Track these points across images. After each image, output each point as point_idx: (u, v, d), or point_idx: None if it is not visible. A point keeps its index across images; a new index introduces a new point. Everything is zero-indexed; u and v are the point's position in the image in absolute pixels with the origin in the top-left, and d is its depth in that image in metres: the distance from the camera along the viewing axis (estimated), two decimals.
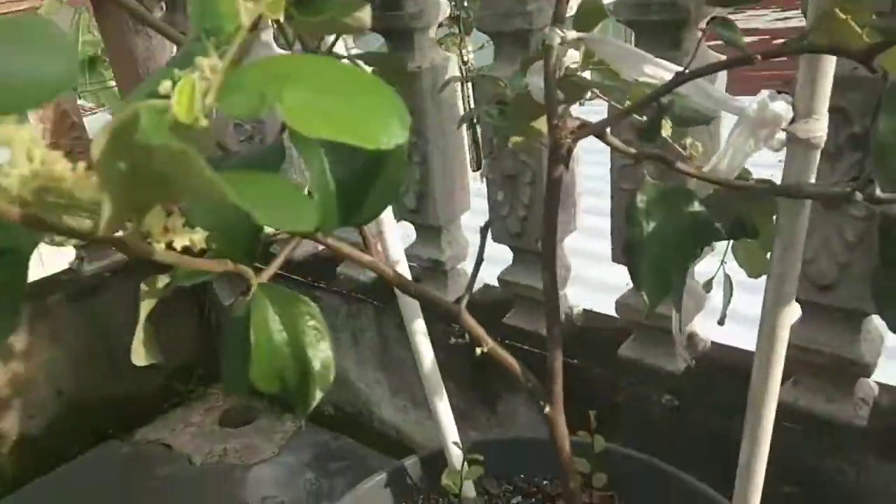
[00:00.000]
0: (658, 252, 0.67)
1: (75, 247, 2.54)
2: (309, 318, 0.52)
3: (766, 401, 0.89)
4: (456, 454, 1.22)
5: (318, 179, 0.48)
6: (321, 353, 0.52)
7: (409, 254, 1.98)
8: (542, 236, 0.75)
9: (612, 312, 1.79)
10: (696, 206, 0.68)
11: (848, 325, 1.27)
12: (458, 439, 1.20)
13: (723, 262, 1.05)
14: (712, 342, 1.61)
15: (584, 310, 1.82)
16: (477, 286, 2.03)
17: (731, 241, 0.98)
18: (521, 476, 1.32)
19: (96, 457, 2.55)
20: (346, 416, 2.39)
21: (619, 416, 1.58)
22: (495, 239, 1.74)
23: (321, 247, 2.37)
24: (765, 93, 0.70)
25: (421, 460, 1.31)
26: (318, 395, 0.53)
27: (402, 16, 1.59)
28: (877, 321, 1.29)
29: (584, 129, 0.66)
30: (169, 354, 2.73)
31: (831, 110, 1.08)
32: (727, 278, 1.04)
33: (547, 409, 0.80)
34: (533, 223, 1.62)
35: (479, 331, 0.79)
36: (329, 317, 2.19)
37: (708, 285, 1.12)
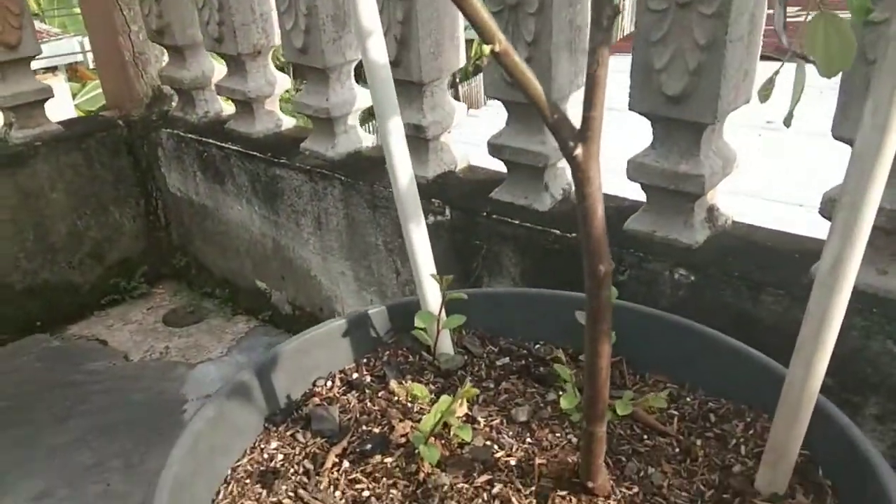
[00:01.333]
0: None
1: (3, 110, 2.23)
2: None
3: (846, 268, 0.66)
4: (432, 295, 0.98)
5: None
6: None
7: None
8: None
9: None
10: None
11: None
12: (435, 271, 0.96)
13: (791, 53, 0.81)
14: (735, 221, 1.39)
15: None
16: (461, 165, 1.78)
17: (811, 19, 0.74)
18: (509, 339, 1.09)
19: (20, 349, 2.27)
20: (306, 314, 2.14)
21: (622, 297, 1.36)
22: (488, 92, 1.49)
23: (284, 125, 2.10)
24: None
25: (389, 310, 1.07)
26: None
27: None
28: None
29: None
30: (109, 246, 2.44)
31: None
32: (799, 66, 0.79)
33: (578, 149, 0.56)
34: (537, 68, 1.36)
35: (491, 23, 0.53)
36: (291, 199, 1.93)
37: (770, 83, 0.88)
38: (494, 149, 1.54)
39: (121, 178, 2.41)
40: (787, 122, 0.83)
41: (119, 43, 2.31)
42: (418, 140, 1.68)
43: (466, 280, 1.64)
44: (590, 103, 0.56)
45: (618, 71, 1.28)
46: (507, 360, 1.05)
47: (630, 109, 1.28)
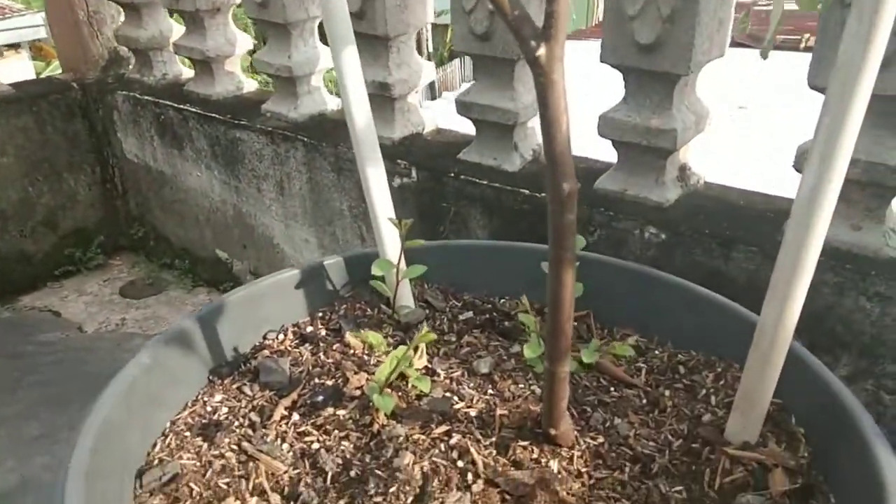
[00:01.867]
0: None
1: None
2: None
3: (822, 200, 0.62)
4: (391, 242, 0.92)
5: None
6: None
7: None
8: None
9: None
10: None
11: (891, 125, 1.02)
12: (393, 215, 0.90)
13: None
14: (707, 182, 1.35)
15: None
16: (429, 127, 1.72)
17: None
18: (474, 294, 1.04)
19: None
20: None
21: None
22: (457, 46, 1.43)
23: (244, 88, 2.02)
24: None
25: (346, 261, 1.01)
26: None
27: None
28: None
29: None
30: (63, 214, 2.34)
31: None
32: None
33: (541, 48, 0.51)
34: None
35: None
36: (252, 163, 1.86)
37: (744, 21, 0.83)
38: (462, 106, 1.48)
39: (75, 143, 2.30)
40: (764, 54, 0.78)
41: (72, 2, 2.20)
42: (384, 99, 1.62)
43: (435, 238, 1.59)
44: None
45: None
46: (470, 314, 1.00)
47: (602, 62, 1.23)
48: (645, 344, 0.93)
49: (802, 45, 7.24)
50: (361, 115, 0.87)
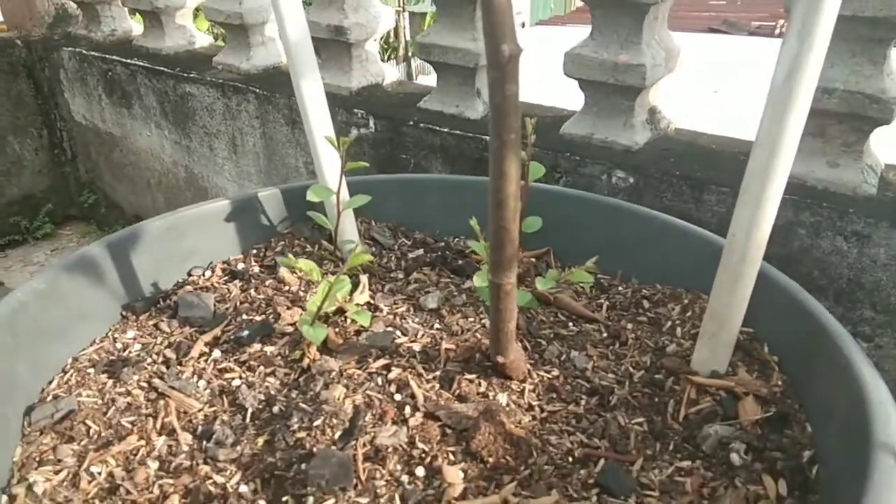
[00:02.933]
0: None
1: None
2: None
3: (782, 144, 0.55)
4: (329, 165, 0.83)
5: None
6: None
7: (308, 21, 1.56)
8: None
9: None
10: None
11: (871, 51, 0.95)
12: (332, 134, 0.81)
13: None
14: (678, 128, 1.28)
15: (523, 101, 1.45)
16: (390, 80, 1.63)
17: None
18: (425, 232, 0.96)
19: None
20: None
21: None
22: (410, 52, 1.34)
23: (197, 43, 1.91)
24: None
25: (284, 193, 0.92)
26: None
27: None
28: None
29: None
30: (7, 181, 2.21)
31: None
32: None
33: None
34: None
35: None
36: (203, 119, 1.75)
37: None
38: (423, 49, 1.39)
39: (20, 104, 2.18)
40: None
41: None
42: (340, 45, 1.53)
43: None
44: None
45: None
46: (420, 251, 0.92)
47: None
48: (608, 280, 0.86)
49: (777, 31, 7.24)
50: (296, 21, 0.78)
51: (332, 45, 1.55)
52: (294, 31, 0.81)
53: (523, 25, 11.87)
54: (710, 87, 7.22)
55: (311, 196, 0.82)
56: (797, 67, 0.55)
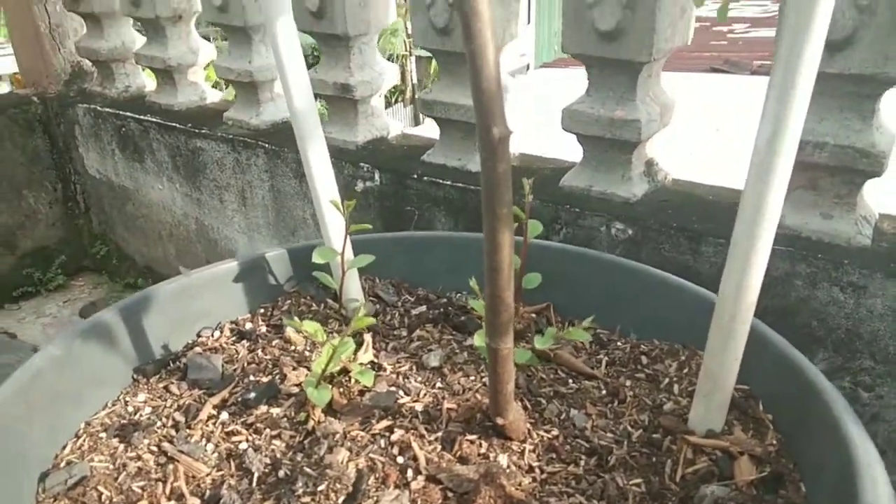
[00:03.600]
0: None
1: None
2: None
3: (777, 160, 0.58)
4: (335, 228, 0.86)
5: None
6: None
7: (314, 79, 1.61)
8: None
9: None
10: None
11: (859, 107, 0.98)
12: (337, 198, 0.84)
13: None
14: (675, 179, 1.31)
15: (521, 153, 1.50)
16: (394, 132, 1.67)
17: None
18: (428, 288, 0.98)
19: None
20: None
21: None
22: (417, 42, 1.39)
23: (209, 99, 1.97)
24: None
25: (290, 253, 0.95)
26: None
27: None
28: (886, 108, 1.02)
29: None
30: (23, 234, 2.26)
31: None
32: None
33: None
34: None
35: None
36: (213, 173, 1.80)
37: (724, 12, 0.79)
38: (425, 105, 1.44)
39: (35, 159, 2.24)
40: (721, 16, 0.75)
41: (33, 13, 2.15)
42: (346, 101, 1.57)
43: None
44: None
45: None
46: (423, 308, 0.94)
47: (563, 52, 1.20)
48: (607, 335, 0.88)
49: None
50: (300, 87, 0.82)
51: (339, 102, 1.60)
52: (300, 100, 0.84)
53: (528, 68, 12.06)
54: (712, 125, 7.29)
55: (316, 258, 0.84)
56: (778, 132, 0.58)
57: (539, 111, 3.78)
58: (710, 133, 6.83)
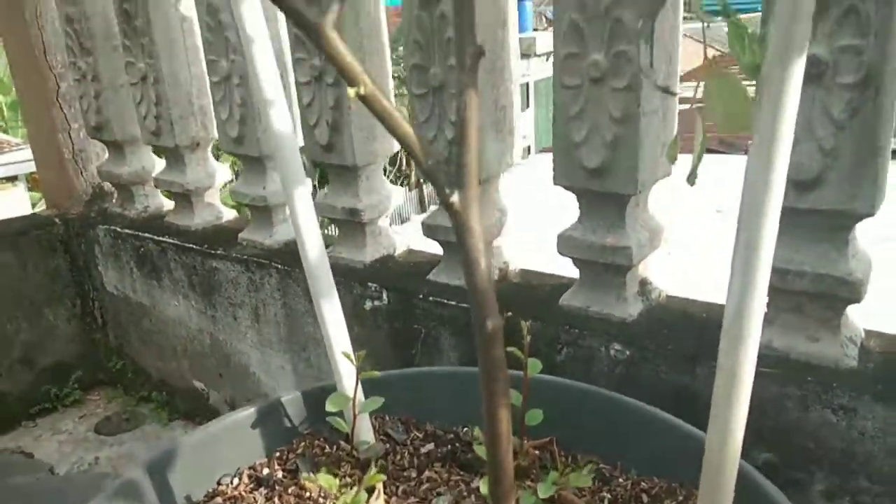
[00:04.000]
0: None
1: None
2: None
3: (746, 332, 0.65)
4: (347, 375, 0.92)
5: None
6: None
7: (321, 204, 1.71)
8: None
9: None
10: None
11: (833, 238, 1.05)
12: (350, 351, 0.90)
13: (696, 99, 0.82)
14: (669, 295, 1.37)
15: (522, 269, 1.57)
16: (400, 249, 1.75)
17: (706, 83, 0.76)
18: (436, 423, 1.03)
19: None
20: None
21: (562, 375, 1.31)
22: (421, 179, 1.48)
23: (224, 217, 2.07)
24: None
25: (304, 396, 1.00)
26: None
27: None
28: (860, 237, 1.08)
29: None
30: (42, 350, 2.33)
31: None
32: (699, 122, 0.80)
33: (454, 197, 0.53)
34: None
35: (351, 61, 0.52)
36: (228, 291, 1.88)
37: (673, 148, 0.88)
38: (428, 230, 1.52)
39: (56, 277, 2.33)
40: (690, 180, 0.82)
41: (59, 140, 2.29)
42: (354, 224, 1.66)
43: (407, 367, 1.58)
44: (463, 148, 0.54)
45: None
46: (431, 445, 0.98)
47: (555, 184, 1.29)
48: (609, 471, 0.91)
49: None
50: (314, 249, 0.90)
51: (347, 224, 1.68)
52: (313, 251, 0.92)
53: (529, 150, 12.39)
54: (713, 205, 7.42)
55: (330, 407, 0.90)
56: (745, 295, 0.64)
57: (540, 190, 3.87)
58: (711, 214, 6.94)
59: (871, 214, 0.99)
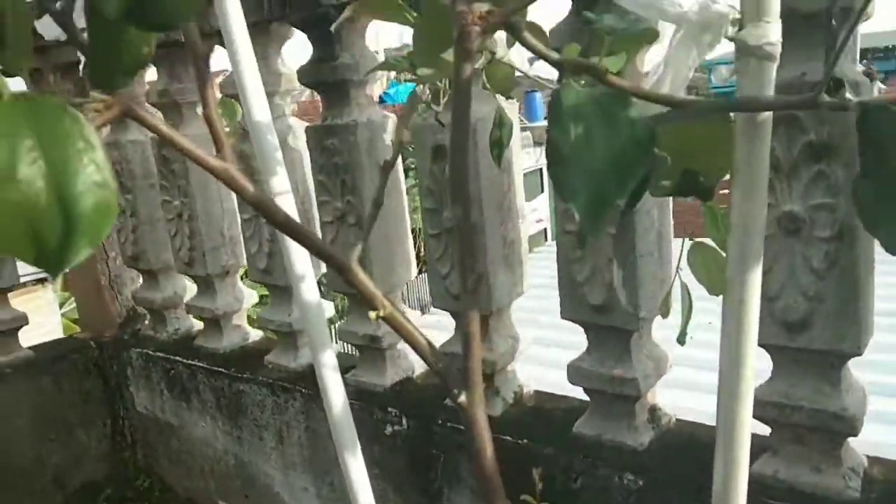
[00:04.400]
0: (589, 160, 0.53)
1: None
2: (82, 144, 0.36)
3: (735, 459, 0.71)
4: None
5: None
6: (96, 190, 0.35)
7: (343, 330, 1.80)
8: (451, 156, 0.60)
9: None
10: (634, 114, 0.55)
11: (826, 374, 1.11)
12: (372, 501, 0.97)
13: (678, 268, 0.91)
14: (677, 419, 1.42)
15: (536, 391, 1.63)
16: (419, 370, 1.83)
17: (687, 250, 0.85)
18: None
19: None
20: None
21: (577, 503, 1.35)
22: (435, 303, 1.58)
23: (251, 338, 2.17)
24: None
25: None
26: (83, 251, 0.36)
27: (336, 66, 1.53)
28: (854, 371, 1.14)
29: (495, 14, 0.55)
30: (74, 470, 2.39)
31: (780, 120, 1.00)
32: (684, 287, 0.89)
33: (462, 397, 0.62)
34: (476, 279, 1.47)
35: (373, 289, 0.62)
36: (254, 412, 1.95)
37: (666, 303, 0.96)
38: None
39: (89, 398, 2.42)
40: (681, 339, 0.90)
41: (97, 269, 2.44)
42: (374, 350, 1.75)
43: (427, 493, 1.62)
44: (467, 356, 0.63)
45: None
46: None
47: (562, 317, 1.37)
48: None
49: None
50: (338, 406, 0.98)
51: (368, 350, 1.77)
52: (337, 407, 1.00)
53: (546, 236, 12.53)
54: (705, 320, 7.39)
55: None
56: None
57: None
58: (704, 326, 6.92)
59: (858, 354, 1.06)
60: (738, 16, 0.59)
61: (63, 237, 0.35)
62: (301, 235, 0.62)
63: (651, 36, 0.63)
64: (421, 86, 0.78)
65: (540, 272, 2.81)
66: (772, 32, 0.59)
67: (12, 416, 2.25)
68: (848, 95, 0.54)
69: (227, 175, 0.53)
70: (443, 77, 0.72)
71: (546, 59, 0.59)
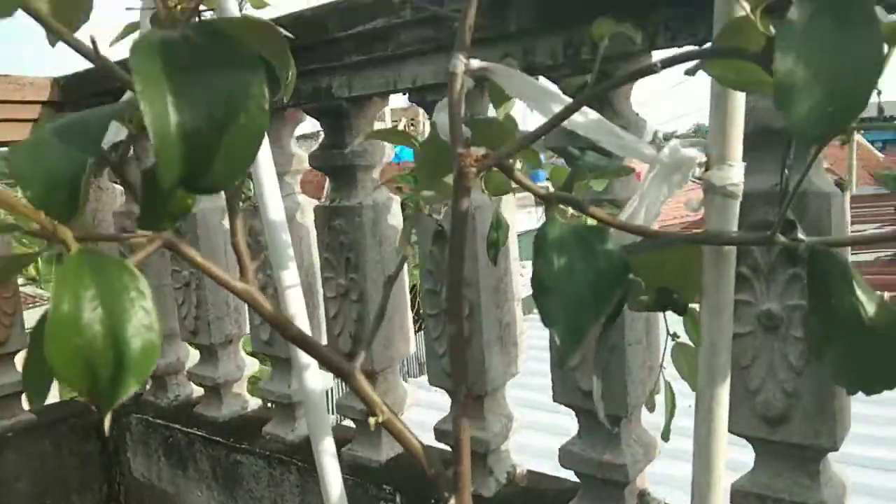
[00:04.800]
0: (570, 289, 0.60)
1: None
2: (135, 293, 0.43)
3: None
4: None
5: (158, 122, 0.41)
6: (143, 333, 0.42)
7: (340, 405, 1.84)
8: (447, 283, 0.67)
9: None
10: (611, 245, 0.63)
11: (805, 467, 1.15)
12: None
13: (661, 366, 0.97)
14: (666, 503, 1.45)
15: (529, 471, 1.66)
16: None
17: (672, 347, 0.91)
18: None
19: None
20: None
21: None
22: (431, 381, 1.63)
23: (250, 406, 2.20)
24: (675, 141, 0.68)
25: None
26: (132, 387, 0.42)
27: (346, 154, 1.63)
28: (835, 465, 1.19)
29: (490, 157, 0.63)
30: None
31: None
32: (667, 386, 0.94)
33: (452, 500, 0.67)
34: (472, 361, 1.52)
35: (373, 396, 0.68)
36: (249, 484, 1.97)
37: (651, 400, 1.02)
38: (440, 434, 1.63)
39: (87, 462, 2.43)
40: (665, 436, 0.95)
41: None
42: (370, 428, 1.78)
43: None
44: (457, 458, 0.69)
45: None
46: None
47: (554, 401, 1.42)
48: None
49: None
50: (335, 492, 1.02)
51: (364, 424, 1.80)
52: (334, 497, 1.04)
53: None
54: (687, 402, 7.40)
55: None
56: None
57: None
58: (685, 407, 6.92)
59: (835, 449, 1.10)
60: (704, 159, 0.67)
61: (115, 375, 0.42)
62: (310, 347, 0.68)
63: (626, 171, 0.71)
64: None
65: (535, 333, 2.83)
66: (735, 174, 0.67)
67: (12, 479, 2.26)
68: (800, 236, 0.61)
69: (250, 296, 0.60)
70: (443, 199, 0.79)
71: (535, 194, 0.67)
